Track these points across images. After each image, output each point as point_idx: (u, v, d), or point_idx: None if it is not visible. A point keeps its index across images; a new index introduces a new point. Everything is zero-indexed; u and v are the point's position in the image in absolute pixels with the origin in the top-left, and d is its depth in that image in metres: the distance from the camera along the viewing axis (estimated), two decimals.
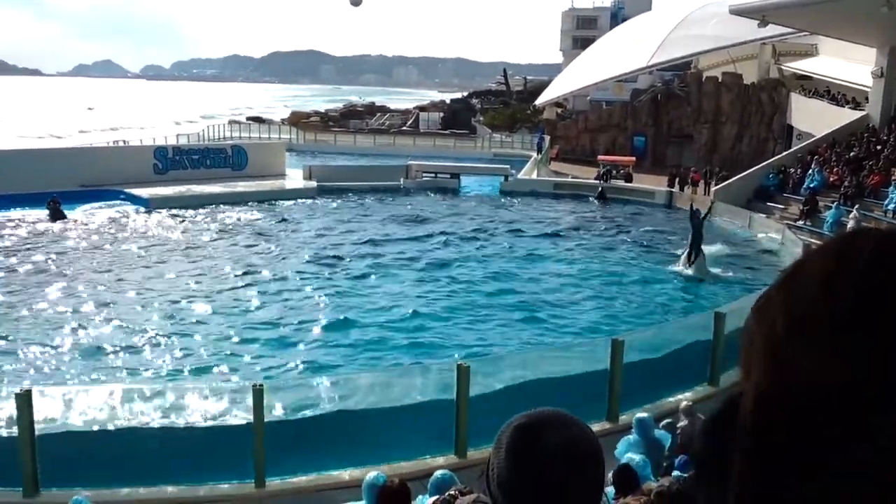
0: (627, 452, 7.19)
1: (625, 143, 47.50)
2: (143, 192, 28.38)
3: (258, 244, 22.87)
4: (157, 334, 14.67)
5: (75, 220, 25.01)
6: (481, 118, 62.40)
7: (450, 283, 19.05)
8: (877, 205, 25.38)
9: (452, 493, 4.11)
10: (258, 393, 8.15)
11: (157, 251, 21.61)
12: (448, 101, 75.77)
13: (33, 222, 24.36)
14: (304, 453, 8.92)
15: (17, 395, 7.94)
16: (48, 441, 8.14)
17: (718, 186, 31.12)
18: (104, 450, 8.61)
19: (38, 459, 7.93)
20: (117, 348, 13.85)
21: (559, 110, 56.51)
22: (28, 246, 21.53)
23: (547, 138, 47.57)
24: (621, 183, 35.40)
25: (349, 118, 67.45)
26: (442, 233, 24.86)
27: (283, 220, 26.85)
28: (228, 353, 13.89)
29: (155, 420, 9.13)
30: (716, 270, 20.73)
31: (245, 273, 19.42)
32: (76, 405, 9.29)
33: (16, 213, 24.87)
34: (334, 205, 30.16)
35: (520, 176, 36.13)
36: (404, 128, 61.42)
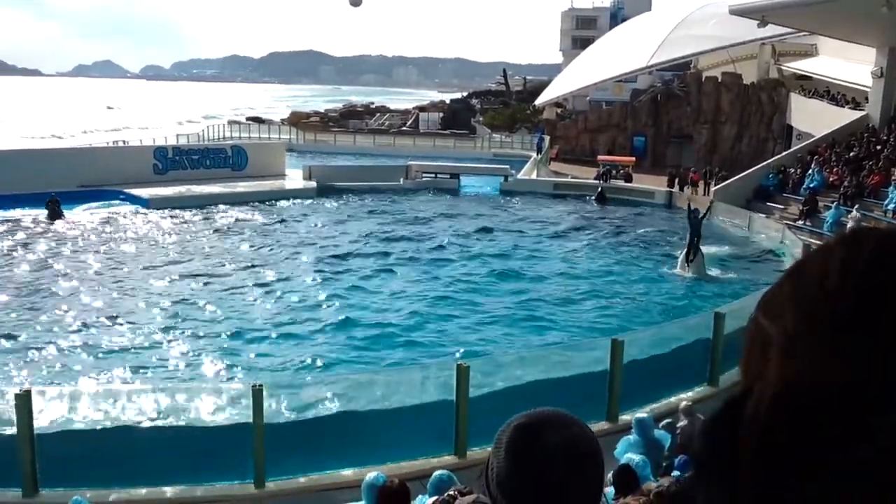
0: (627, 452, 7.19)
1: (624, 144, 47.51)
2: (143, 192, 28.38)
3: (258, 244, 22.87)
4: (156, 334, 14.69)
5: (75, 220, 25.02)
6: (481, 118, 62.41)
7: (449, 283, 19.05)
8: (877, 205, 25.38)
9: (452, 493, 4.11)
10: (258, 393, 8.15)
11: (157, 251, 21.62)
12: (448, 102, 75.76)
13: (33, 222, 24.36)
14: (304, 453, 8.92)
15: (17, 395, 7.94)
16: (47, 441, 8.13)
17: (718, 186, 31.12)
18: (104, 450, 8.60)
19: (38, 459, 7.93)
20: (117, 348, 13.86)
21: (559, 110, 56.52)
22: (27, 246, 21.53)
23: (546, 138, 47.56)
24: (621, 183, 35.42)
25: (349, 118, 67.47)
26: (441, 233, 24.87)
27: (283, 220, 26.84)
28: (228, 352, 13.89)
29: (155, 420, 9.11)
30: (715, 270, 20.74)
31: (244, 273, 19.43)
32: (76, 405, 9.28)
33: (15, 213, 24.86)
34: (334, 205, 30.16)
35: (519, 176, 36.14)
36: (404, 128, 61.43)
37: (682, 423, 8.23)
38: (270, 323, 15.67)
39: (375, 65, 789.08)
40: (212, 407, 9.55)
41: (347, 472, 8.41)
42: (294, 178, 34.16)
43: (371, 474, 5.85)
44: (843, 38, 33.11)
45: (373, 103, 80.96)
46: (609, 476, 5.90)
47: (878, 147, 28.21)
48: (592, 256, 22.64)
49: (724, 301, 15.74)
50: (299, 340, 14.70)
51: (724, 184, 31.07)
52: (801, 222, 26.21)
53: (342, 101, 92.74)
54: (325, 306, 16.88)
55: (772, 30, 33.02)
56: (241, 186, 31.13)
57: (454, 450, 8.91)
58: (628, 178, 36.38)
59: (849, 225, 22.80)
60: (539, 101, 57.18)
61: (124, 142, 39.57)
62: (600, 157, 41.05)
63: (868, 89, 31.90)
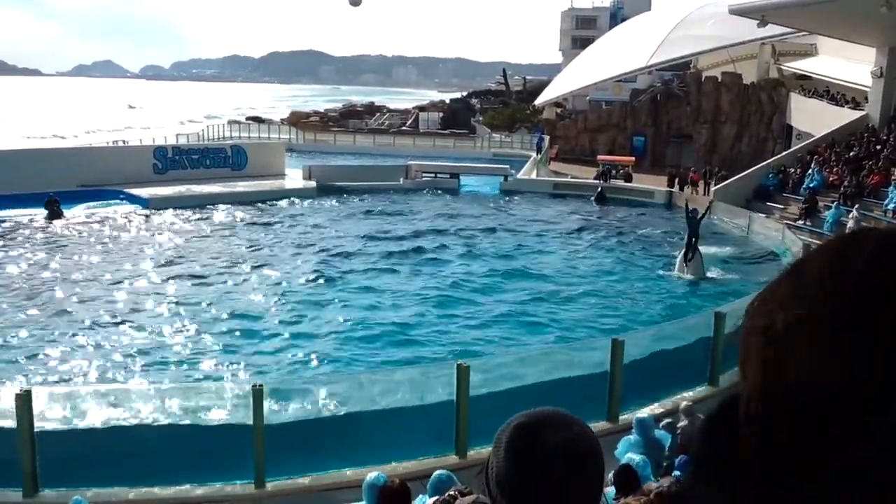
0: (627, 452, 7.19)
1: (624, 143, 47.50)
2: (143, 191, 28.38)
3: (257, 244, 22.87)
4: (156, 334, 14.69)
5: (74, 220, 25.02)
6: (481, 118, 62.40)
7: (449, 283, 19.04)
8: (876, 204, 25.38)
9: (452, 493, 4.12)
10: (258, 393, 8.15)
11: (156, 251, 21.61)
12: (447, 101, 75.75)
13: (32, 222, 24.35)
14: (304, 453, 8.92)
15: (17, 395, 7.94)
16: (48, 441, 8.14)
17: (718, 186, 31.12)
18: (104, 450, 8.60)
19: (38, 459, 7.93)
20: (116, 348, 13.86)
21: (558, 110, 56.51)
22: (26, 246, 21.53)
23: (546, 138, 47.56)
24: (621, 183, 35.42)
25: (349, 118, 67.44)
26: (441, 233, 24.87)
27: (283, 220, 26.84)
28: (228, 352, 13.88)
29: (155, 420, 9.12)
30: (715, 270, 20.73)
31: (244, 273, 19.43)
32: (76, 405, 9.29)
33: (15, 213, 24.85)
34: (334, 205, 30.16)
35: (519, 176, 36.14)
36: (404, 128, 61.41)
37: (683, 423, 8.23)
38: (270, 323, 15.68)
39: (375, 64, 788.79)
40: (212, 407, 9.55)
41: (348, 473, 8.41)
42: (294, 178, 34.15)
43: (372, 474, 5.85)
44: (842, 37, 33.11)
45: (373, 103, 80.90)
46: (610, 476, 5.91)
47: (878, 147, 28.20)
48: (592, 256, 22.64)
49: (724, 301, 15.73)
50: (299, 340, 14.69)
51: (723, 184, 31.05)
52: (800, 222, 26.21)
53: (342, 101, 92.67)
54: (325, 306, 16.88)
55: (771, 30, 33.00)
56: (241, 186, 31.12)
57: (454, 450, 8.91)
58: (628, 178, 36.38)
59: (849, 225, 22.82)
60: (539, 101, 57.18)
61: (124, 141, 39.55)
62: (600, 157, 41.06)
63: (868, 89, 31.89)
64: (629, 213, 30.02)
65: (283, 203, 29.84)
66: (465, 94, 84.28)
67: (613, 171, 37.17)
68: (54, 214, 24.89)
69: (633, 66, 48.25)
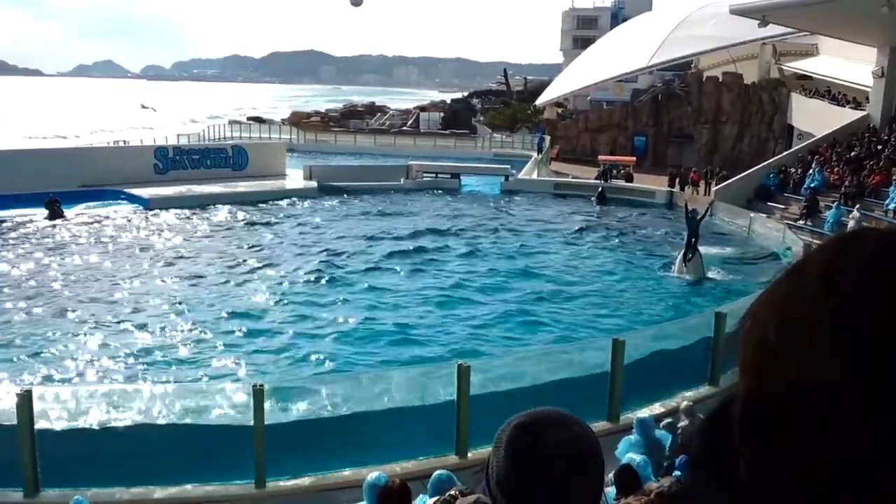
0: (628, 452, 7.18)
1: (625, 143, 47.49)
2: (144, 192, 28.39)
3: (258, 244, 22.87)
4: (156, 334, 14.69)
5: (75, 220, 25.02)
6: (482, 118, 62.41)
7: (449, 282, 19.05)
8: (877, 204, 25.37)
9: (453, 493, 4.12)
10: (259, 393, 8.15)
11: (157, 251, 21.62)
12: (448, 101, 75.76)
13: (33, 222, 24.36)
14: (305, 453, 8.92)
15: (18, 395, 7.95)
16: (49, 441, 8.14)
17: (719, 186, 31.11)
18: (104, 450, 8.61)
19: (39, 459, 7.93)
20: (117, 348, 13.86)
21: (559, 110, 56.50)
22: (27, 246, 21.54)
23: (547, 138, 47.57)
24: (622, 183, 35.41)
25: (349, 118, 67.45)
26: (442, 233, 24.87)
27: (283, 220, 26.84)
28: (228, 352, 13.89)
29: (156, 420, 9.12)
30: (715, 270, 20.71)
31: (245, 273, 19.44)
32: (76, 405, 9.29)
33: (15, 213, 24.86)
34: (334, 205, 30.17)
35: (520, 176, 36.15)
36: (405, 128, 61.42)
37: (684, 422, 8.22)
38: (271, 323, 15.68)
39: (376, 65, 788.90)
40: (212, 406, 9.55)
41: (348, 473, 8.41)
42: (295, 178, 34.17)
43: (372, 474, 5.85)
44: (843, 37, 33.10)
45: (373, 103, 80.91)
46: (610, 476, 5.90)
47: (879, 147, 28.20)
48: (593, 256, 22.63)
49: (725, 301, 15.74)
50: (300, 340, 14.69)
51: (724, 184, 31.05)
52: (801, 222, 26.20)
53: (343, 101, 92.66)
54: (325, 306, 16.88)
55: (772, 30, 32.99)
56: (242, 186, 31.13)
57: (455, 450, 8.90)
58: (629, 178, 36.36)
59: (849, 225, 22.80)
60: (540, 101, 57.17)
61: (125, 142, 39.58)
62: (601, 157, 41.05)
63: (869, 89, 31.88)
64: (630, 214, 30.01)
65: (284, 203, 29.84)
66: (465, 94, 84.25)
67: (614, 171, 37.16)
68: (55, 214, 24.89)
69: (634, 66, 48.23)
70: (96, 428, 8.86)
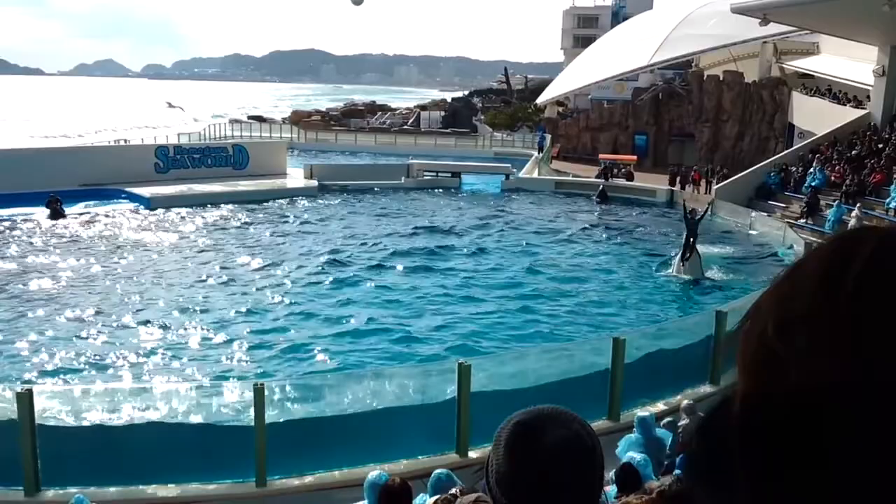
0: (629, 451, 7.18)
1: (626, 142, 47.47)
2: (145, 191, 28.39)
3: (258, 243, 22.87)
4: (157, 332, 14.70)
5: (76, 219, 25.03)
6: (482, 117, 62.42)
7: (450, 281, 19.05)
8: (878, 203, 25.36)
9: (454, 492, 4.12)
10: (259, 392, 8.15)
11: (158, 250, 21.63)
12: (449, 100, 75.81)
13: (34, 221, 24.37)
14: (306, 452, 8.92)
15: (19, 395, 7.95)
16: (49, 439, 8.14)
17: (720, 185, 31.11)
18: (105, 449, 8.61)
19: (40, 458, 7.94)
20: (118, 347, 13.87)
21: (560, 109, 56.48)
22: (28, 245, 21.55)
23: (548, 137, 47.56)
24: (622, 182, 35.40)
25: (350, 117, 67.40)
26: (442, 231, 24.86)
27: (284, 219, 26.84)
28: (229, 351, 13.90)
29: (156, 419, 9.12)
30: (715, 269, 20.68)
31: (245, 272, 19.44)
32: (77, 404, 9.29)
33: (16, 212, 24.87)
34: (335, 203, 30.17)
35: (521, 175, 36.16)
36: (405, 127, 61.39)
37: (684, 421, 8.22)
38: (271, 321, 15.68)
39: (377, 63, 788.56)
40: (214, 405, 9.56)
41: (349, 471, 8.41)
42: (295, 177, 34.15)
43: (373, 473, 5.85)
44: (844, 36, 33.07)
45: (374, 102, 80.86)
46: (611, 475, 5.90)
47: (880, 145, 28.18)
48: (594, 255, 22.62)
49: (726, 299, 15.74)
50: (301, 339, 14.69)
51: (725, 182, 31.05)
52: (802, 221, 26.20)
53: (344, 100, 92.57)
54: (326, 305, 16.89)
55: (773, 28, 32.96)
56: (243, 185, 31.13)
57: (455, 449, 8.90)
58: (630, 177, 36.35)
59: (850, 223, 22.79)
60: (540, 100, 57.15)
61: (126, 141, 39.59)
62: (602, 156, 41.03)
63: (870, 87, 31.86)
64: (631, 212, 30.01)
65: (285, 202, 29.83)
66: (466, 92, 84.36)
67: (615, 170, 37.15)
68: (56, 213, 24.90)
69: (635, 64, 48.18)
70: (96, 427, 8.86)
